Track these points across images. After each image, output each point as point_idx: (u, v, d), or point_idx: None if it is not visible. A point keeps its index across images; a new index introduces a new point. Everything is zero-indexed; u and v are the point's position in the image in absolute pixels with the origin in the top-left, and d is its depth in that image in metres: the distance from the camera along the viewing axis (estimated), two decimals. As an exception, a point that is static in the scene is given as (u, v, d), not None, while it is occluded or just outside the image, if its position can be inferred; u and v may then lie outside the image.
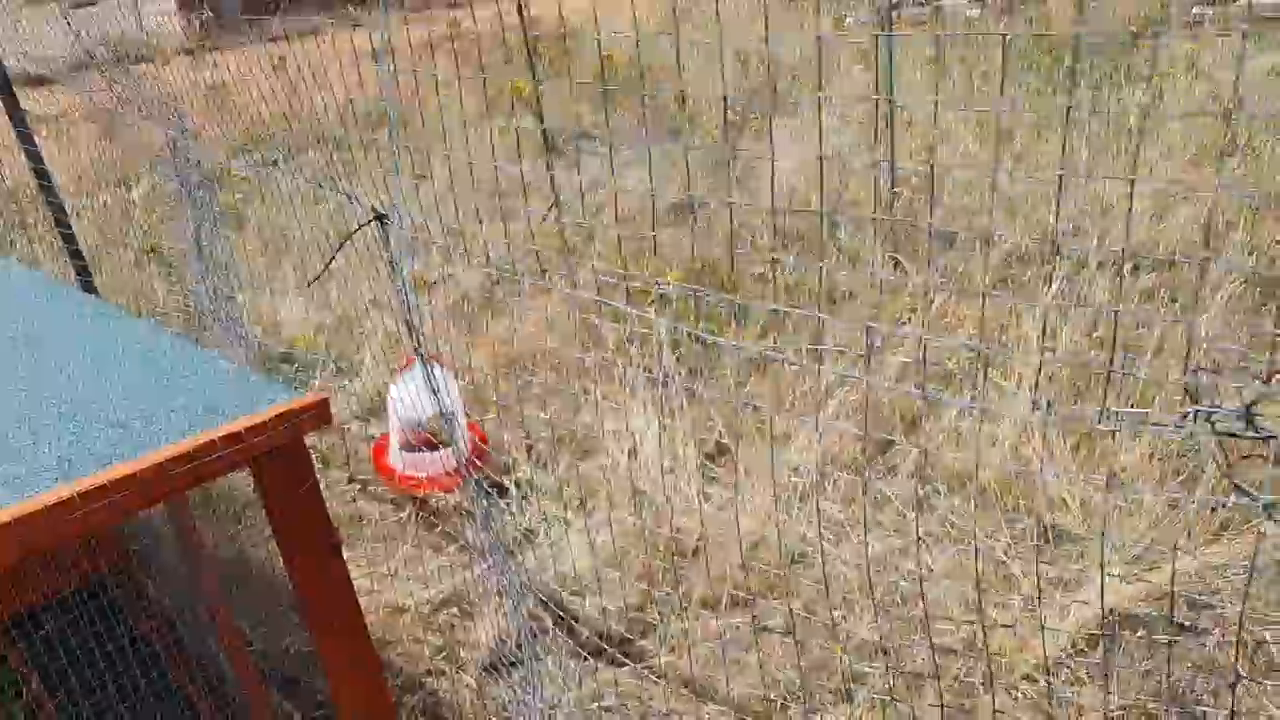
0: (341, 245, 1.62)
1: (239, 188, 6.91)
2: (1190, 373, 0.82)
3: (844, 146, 5.96)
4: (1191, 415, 0.81)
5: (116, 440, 1.55)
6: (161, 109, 3.12)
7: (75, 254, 3.36)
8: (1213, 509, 2.78)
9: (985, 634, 2.59)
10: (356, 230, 1.59)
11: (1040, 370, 3.24)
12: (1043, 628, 2.45)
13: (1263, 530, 2.30)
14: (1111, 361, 0.93)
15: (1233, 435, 0.79)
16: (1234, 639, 2.45)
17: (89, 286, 3.45)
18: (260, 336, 4.92)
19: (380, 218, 1.55)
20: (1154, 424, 0.95)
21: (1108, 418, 0.91)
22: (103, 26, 4.01)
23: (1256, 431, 0.77)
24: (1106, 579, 2.68)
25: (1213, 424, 0.80)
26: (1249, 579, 2.02)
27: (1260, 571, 2.59)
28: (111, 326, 2.07)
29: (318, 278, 1.93)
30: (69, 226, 3.39)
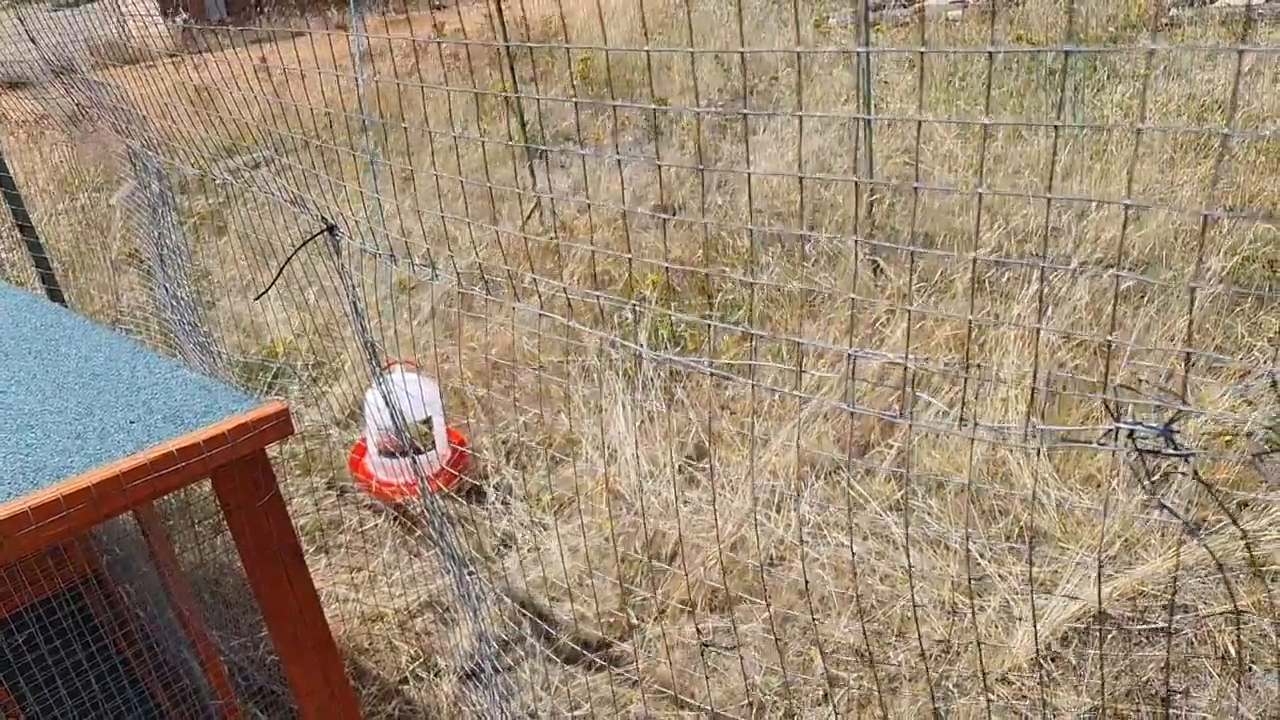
0: (290, 259, 1.61)
1: (220, 193, 6.87)
2: (1112, 390, 0.82)
3: (824, 149, 5.96)
4: (1113, 433, 0.81)
5: (73, 452, 1.53)
6: (120, 117, 3.08)
7: (41, 262, 3.33)
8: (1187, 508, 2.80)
9: (960, 637, 2.60)
10: (305, 243, 1.58)
11: (980, 389, 3.25)
12: (1032, 622, 2.45)
13: (1181, 545, 2.31)
14: (1035, 378, 0.93)
15: (1154, 453, 0.79)
16: (1207, 638, 2.46)
17: (55, 295, 3.42)
18: (240, 341, 4.89)
19: (330, 229, 1.54)
20: (1076, 442, 0.94)
21: (1032, 436, 0.91)
22: (87, 28, 3.98)
23: (1176, 449, 0.77)
24: (1082, 581, 2.69)
25: (1134, 441, 0.80)
26: (1172, 596, 2.02)
27: (1234, 571, 2.60)
28: (73, 335, 2.05)
29: (265, 293, 1.92)
30: (35, 235, 3.37)
